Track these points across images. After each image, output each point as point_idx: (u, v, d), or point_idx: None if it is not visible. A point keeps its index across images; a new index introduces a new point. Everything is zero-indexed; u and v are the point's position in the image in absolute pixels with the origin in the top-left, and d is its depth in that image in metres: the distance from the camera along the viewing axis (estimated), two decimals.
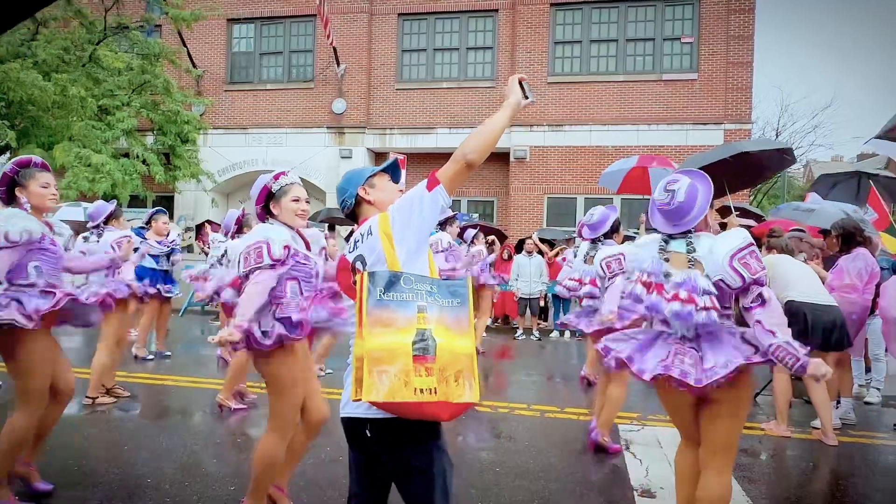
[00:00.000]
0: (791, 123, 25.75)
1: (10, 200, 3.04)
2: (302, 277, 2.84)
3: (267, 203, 2.89)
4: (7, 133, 10.12)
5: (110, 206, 5.15)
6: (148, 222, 6.92)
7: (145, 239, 6.56)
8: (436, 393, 1.70)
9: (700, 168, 5.69)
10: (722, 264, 2.38)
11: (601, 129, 13.24)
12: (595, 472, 3.92)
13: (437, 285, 1.83)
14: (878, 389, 6.02)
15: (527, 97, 2.01)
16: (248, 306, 2.63)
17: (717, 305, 2.41)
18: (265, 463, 2.79)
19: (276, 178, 2.88)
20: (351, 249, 2.05)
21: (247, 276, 2.73)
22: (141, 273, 6.08)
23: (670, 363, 2.45)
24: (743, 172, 5.92)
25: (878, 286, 5.02)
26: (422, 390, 1.69)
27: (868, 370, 6.38)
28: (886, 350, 5.66)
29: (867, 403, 5.91)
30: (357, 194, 2.10)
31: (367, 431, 1.83)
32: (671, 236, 2.59)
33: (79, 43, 12.04)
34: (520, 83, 2.02)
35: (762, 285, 2.37)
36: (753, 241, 2.41)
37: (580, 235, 5.61)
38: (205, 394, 5.58)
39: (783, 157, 5.97)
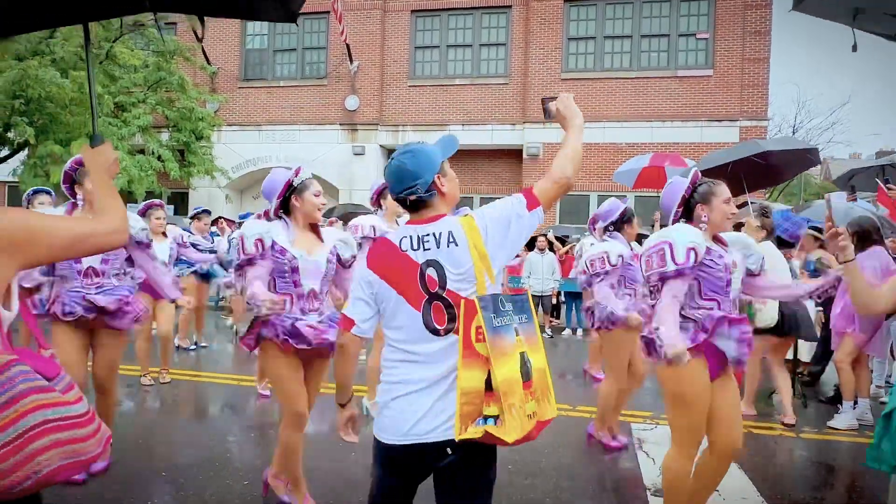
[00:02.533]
0: (808, 120, 25.47)
1: (74, 195, 3.32)
2: (276, 273, 2.86)
3: (287, 197, 2.90)
4: (26, 130, 10.26)
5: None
6: (192, 219, 7.29)
7: (202, 236, 6.90)
8: (535, 416, 1.67)
9: (718, 167, 5.65)
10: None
11: (615, 125, 13.15)
12: (608, 471, 3.90)
13: (512, 303, 1.76)
14: None
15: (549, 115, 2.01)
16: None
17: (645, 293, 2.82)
18: (279, 450, 3.05)
19: (297, 172, 2.91)
20: (415, 247, 1.78)
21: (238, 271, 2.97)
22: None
23: None
24: (764, 171, 5.84)
25: None
26: (530, 416, 1.65)
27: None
28: None
29: (883, 404, 5.83)
30: (433, 182, 1.82)
31: (449, 450, 1.70)
32: None
33: (96, 41, 12.16)
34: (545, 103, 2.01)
35: (651, 283, 2.65)
36: (670, 242, 2.57)
37: (592, 229, 5.58)
38: (220, 389, 5.63)
39: (807, 157, 5.88)
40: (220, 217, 10.20)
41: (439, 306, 1.73)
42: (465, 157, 13.57)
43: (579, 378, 6.79)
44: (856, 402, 5.11)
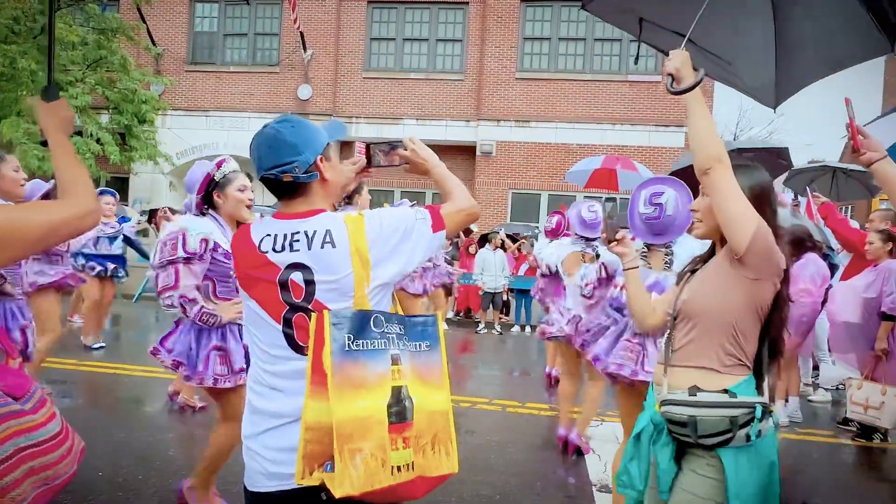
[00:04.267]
0: (749, 129, 26.43)
1: None
2: (217, 277, 2.70)
3: (209, 192, 2.73)
4: None
5: (47, 186, 4.78)
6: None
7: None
8: (412, 469, 1.35)
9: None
10: None
11: (566, 126, 13.39)
12: (555, 468, 3.98)
13: (405, 325, 1.47)
14: (826, 389, 6.29)
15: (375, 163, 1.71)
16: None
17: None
18: (211, 448, 2.86)
19: (219, 165, 2.73)
20: (278, 248, 1.47)
21: (163, 268, 2.59)
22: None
23: (621, 361, 2.69)
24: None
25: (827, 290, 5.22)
26: (399, 468, 1.33)
27: (815, 368, 6.65)
28: (830, 351, 5.91)
29: (811, 402, 6.17)
30: (315, 163, 1.51)
31: (323, 495, 1.35)
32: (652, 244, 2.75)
33: (30, 13, 11.45)
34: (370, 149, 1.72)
35: None
36: None
37: (556, 231, 5.59)
38: (159, 384, 5.42)
39: (779, 162, 5.87)
40: (161, 207, 9.78)
41: (303, 319, 1.44)
42: None
43: (528, 375, 6.90)
44: (787, 400, 5.38)
